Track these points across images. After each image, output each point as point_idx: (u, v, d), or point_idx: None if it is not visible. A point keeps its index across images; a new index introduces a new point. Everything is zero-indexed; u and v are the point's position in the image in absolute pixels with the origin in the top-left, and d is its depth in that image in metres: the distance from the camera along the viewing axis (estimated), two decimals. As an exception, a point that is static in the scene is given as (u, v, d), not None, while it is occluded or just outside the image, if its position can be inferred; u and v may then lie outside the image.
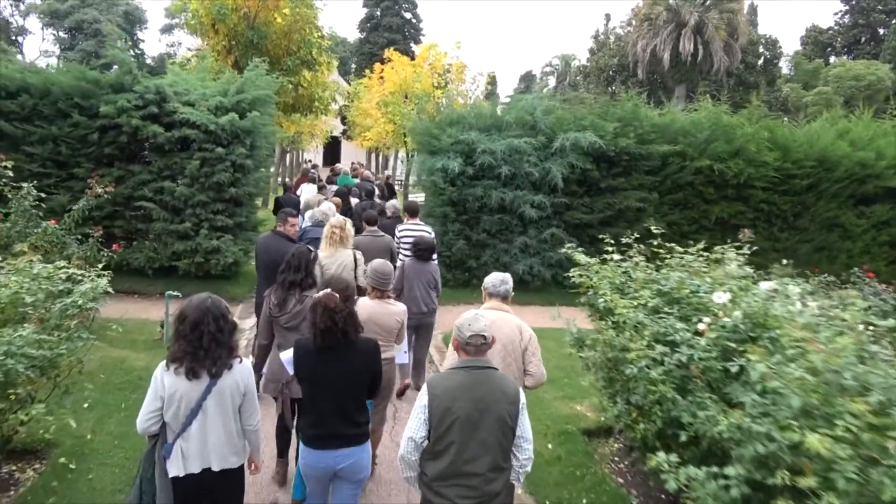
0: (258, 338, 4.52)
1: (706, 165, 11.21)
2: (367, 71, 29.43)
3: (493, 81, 20.47)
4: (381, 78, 22.60)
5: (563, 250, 5.79)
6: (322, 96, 17.24)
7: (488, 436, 2.96)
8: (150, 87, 9.36)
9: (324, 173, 18.46)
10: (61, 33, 50.00)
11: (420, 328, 6.50)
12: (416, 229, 7.75)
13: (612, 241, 5.64)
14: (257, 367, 4.50)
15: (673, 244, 5.45)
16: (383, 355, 4.30)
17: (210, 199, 9.62)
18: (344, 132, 39.55)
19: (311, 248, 4.72)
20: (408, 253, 7.06)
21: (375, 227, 7.32)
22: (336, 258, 5.94)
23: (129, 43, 53.59)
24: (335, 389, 3.28)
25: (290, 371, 3.44)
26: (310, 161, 34.23)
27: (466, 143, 10.83)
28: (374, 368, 3.44)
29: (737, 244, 5.85)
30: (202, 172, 9.50)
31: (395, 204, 10.57)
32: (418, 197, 21.68)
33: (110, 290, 4.65)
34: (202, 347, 2.91)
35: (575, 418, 6.08)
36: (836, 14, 50.14)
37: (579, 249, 5.64)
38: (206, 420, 2.99)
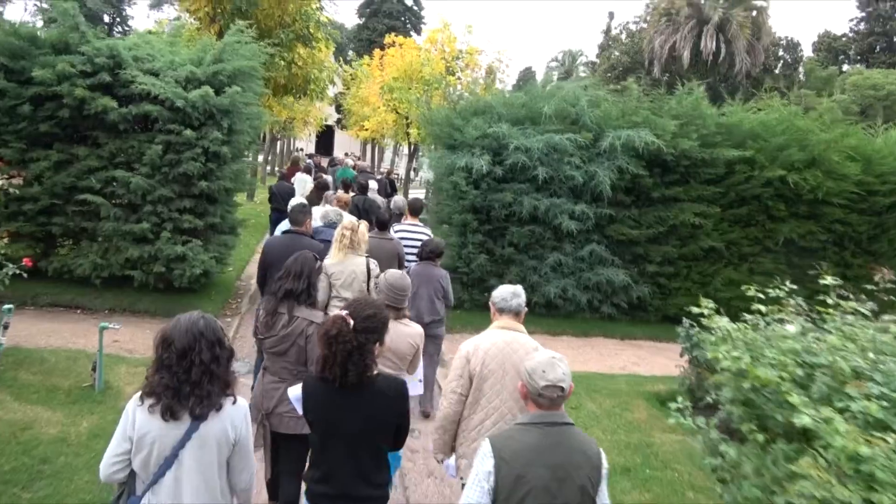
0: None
1: (778, 176, 9.38)
2: (367, 57, 27.50)
3: (492, 73, 18.57)
4: (381, 65, 20.76)
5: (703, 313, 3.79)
6: (318, 77, 15.20)
7: None
8: (101, 49, 7.31)
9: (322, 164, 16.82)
10: (43, 4, 47.33)
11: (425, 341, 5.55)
12: (414, 231, 7.19)
13: (761, 293, 3.69)
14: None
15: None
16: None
17: (175, 195, 7.62)
18: (338, 121, 37.58)
19: (318, 256, 4.07)
20: (408, 257, 6.66)
21: (385, 231, 6.59)
22: (346, 266, 5.20)
23: (118, 18, 51.24)
24: (350, 440, 2.70)
25: (300, 410, 2.82)
26: (301, 150, 32.25)
27: (495, 138, 8.90)
28: (401, 415, 2.82)
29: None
30: (165, 160, 7.50)
31: (397, 200, 8.98)
32: (419, 194, 19.82)
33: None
34: (189, 381, 2.35)
35: (681, 548, 4.17)
36: (851, 21, 48.60)
37: (711, 308, 3.67)
38: (182, 474, 2.39)
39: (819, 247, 10.02)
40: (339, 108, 33.18)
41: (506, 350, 3.35)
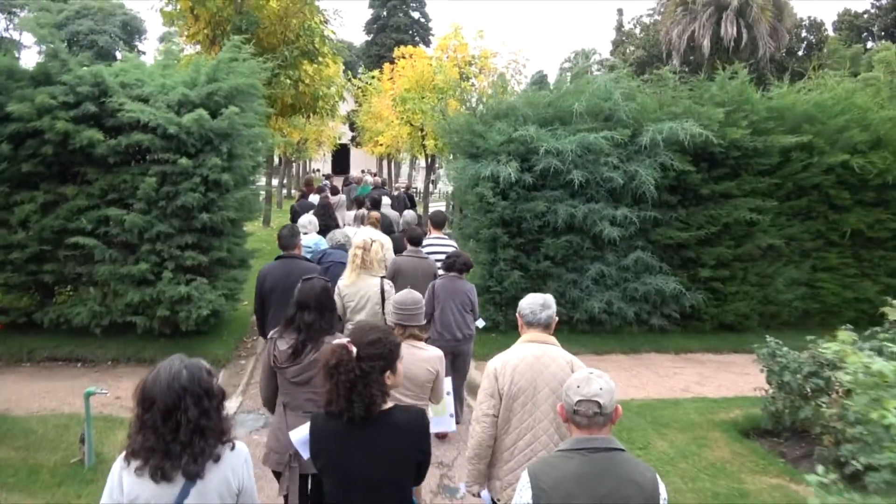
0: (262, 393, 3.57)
1: (840, 161, 8.42)
2: (377, 71, 27.03)
3: (504, 80, 17.71)
4: (392, 80, 20.17)
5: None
6: (327, 94, 14.53)
7: None
8: (84, 77, 6.65)
9: (337, 183, 16.42)
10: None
11: (455, 357, 5.67)
12: (440, 245, 6.89)
13: None
14: None
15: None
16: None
17: (174, 230, 6.92)
18: (353, 139, 37.15)
19: (328, 279, 3.76)
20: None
21: (419, 248, 6.26)
22: (359, 288, 4.94)
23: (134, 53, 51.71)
24: (369, 486, 2.33)
25: (305, 455, 2.54)
26: (318, 171, 31.79)
27: (522, 142, 8.07)
28: (422, 449, 2.45)
29: None
30: (162, 193, 6.81)
31: (407, 215, 8.53)
32: (439, 207, 19.08)
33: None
34: (178, 441, 2.01)
35: None
36: (873, -4, 46.92)
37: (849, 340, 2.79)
38: None
39: (890, 236, 9.10)
40: (352, 126, 32.76)
41: (536, 365, 3.07)
